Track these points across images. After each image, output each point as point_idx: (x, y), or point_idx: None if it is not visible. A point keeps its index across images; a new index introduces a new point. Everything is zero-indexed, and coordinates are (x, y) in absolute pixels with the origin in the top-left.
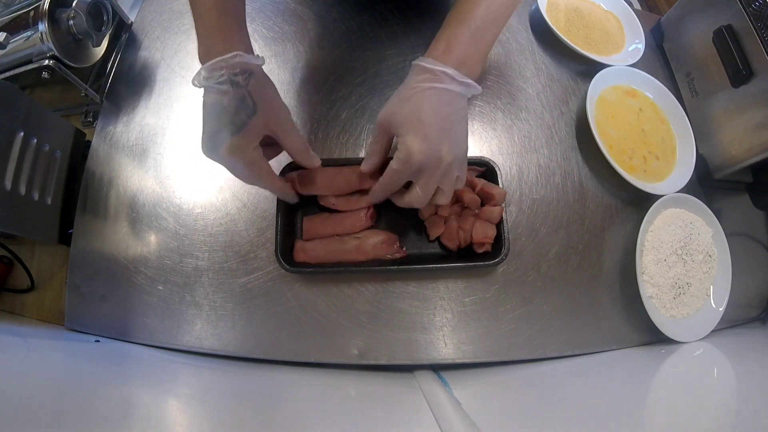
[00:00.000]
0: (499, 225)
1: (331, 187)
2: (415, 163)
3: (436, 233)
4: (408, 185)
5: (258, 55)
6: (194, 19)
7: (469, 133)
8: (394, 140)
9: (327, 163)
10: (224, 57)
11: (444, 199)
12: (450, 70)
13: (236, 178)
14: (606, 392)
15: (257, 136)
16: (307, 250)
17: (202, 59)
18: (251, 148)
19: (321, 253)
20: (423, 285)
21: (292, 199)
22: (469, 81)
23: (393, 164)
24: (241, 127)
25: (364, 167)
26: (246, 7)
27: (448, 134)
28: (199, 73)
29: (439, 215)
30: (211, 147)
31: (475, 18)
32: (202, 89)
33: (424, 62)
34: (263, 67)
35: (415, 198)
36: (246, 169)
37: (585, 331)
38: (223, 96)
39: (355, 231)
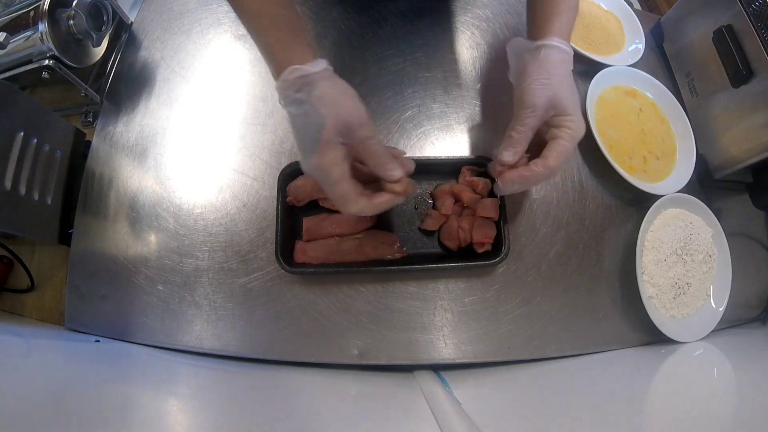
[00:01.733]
0: (499, 225)
1: None
2: (580, 137)
3: (430, 226)
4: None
5: (317, 61)
6: (254, 42)
7: (470, 133)
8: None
9: None
10: (282, 77)
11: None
12: (571, 51)
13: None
14: (606, 392)
15: (334, 151)
16: (307, 251)
17: (275, 78)
18: (334, 166)
19: (321, 254)
20: (423, 285)
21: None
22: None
23: (568, 143)
24: (316, 143)
25: (511, 156)
26: None
27: None
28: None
29: (439, 212)
30: (305, 168)
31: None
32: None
33: (562, 44)
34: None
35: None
36: (333, 184)
37: (585, 331)
38: (296, 116)
39: (356, 231)
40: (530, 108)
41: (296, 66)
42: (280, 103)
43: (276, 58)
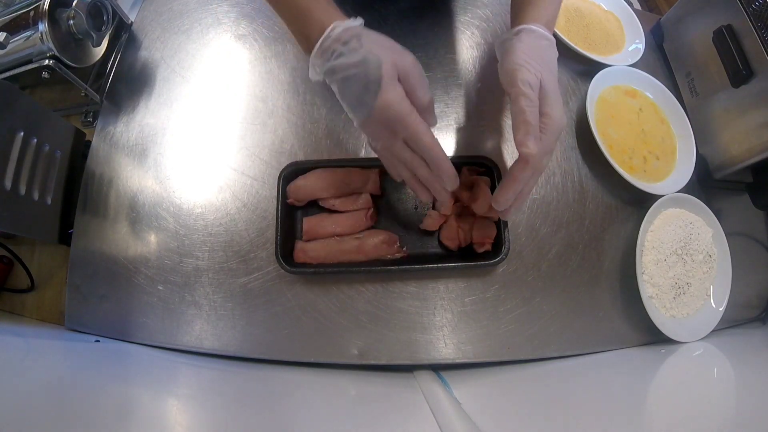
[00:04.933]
0: (499, 224)
1: (331, 188)
2: (561, 130)
3: (430, 226)
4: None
5: (354, 18)
6: (284, 14)
7: (470, 133)
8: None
9: (327, 164)
10: (325, 34)
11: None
12: (552, 38)
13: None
14: (606, 392)
15: (397, 88)
16: (307, 251)
17: (308, 47)
18: (399, 99)
19: (321, 254)
20: (423, 285)
21: (452, 182)
22: None
23: (548, 136)
24: (378, 83)
25: (537, 145)
26: (246, 7)
27: None
28: (313, 64)
29: (439, 212)
30: (361, 111)
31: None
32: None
33: (540, 29)
34: None
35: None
36: (405, 117)
37: (585, 331)
38: (347, 66)
39: (356, 231)
40: (527, 84)
41: (338, 22)
42: (313, 76)
43: (314, 18)
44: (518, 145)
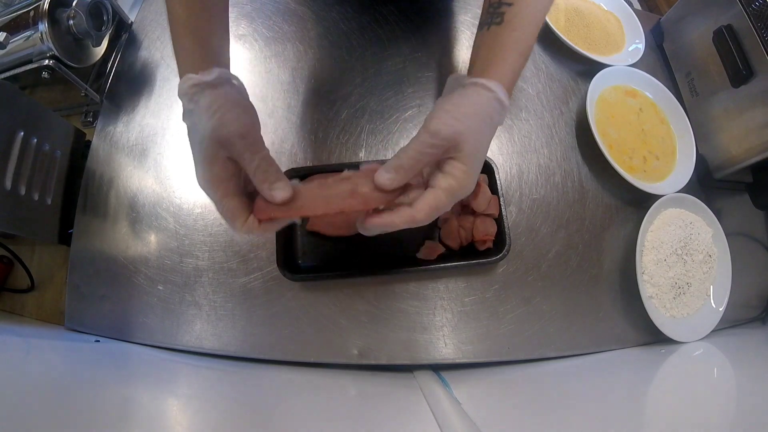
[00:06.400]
0: (500, 221)
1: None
2: (462, 195)
3: (426, 255)
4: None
5: (212, 69)
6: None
7: None
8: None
9: (324, 169)
10: (179, 86)
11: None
12: (505, 102)
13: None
14: (606, 392)
15: (218, 165)
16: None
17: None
18: (219, 182)
19: (307, 202)
20: (423, 285)
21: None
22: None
23: (444, 196)
24: (200, 156)
25: (389, 181)
26: (246, 7)
27: None
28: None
29: (436, 243)
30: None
31: (529, 49)
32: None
33: (502, 94)
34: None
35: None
36: (216, 201)
37: (585, 331)
38: (188, 128)
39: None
40: (432, 133)
41: (190, 75)
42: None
43: (180, 60)
44: (377, 175)
